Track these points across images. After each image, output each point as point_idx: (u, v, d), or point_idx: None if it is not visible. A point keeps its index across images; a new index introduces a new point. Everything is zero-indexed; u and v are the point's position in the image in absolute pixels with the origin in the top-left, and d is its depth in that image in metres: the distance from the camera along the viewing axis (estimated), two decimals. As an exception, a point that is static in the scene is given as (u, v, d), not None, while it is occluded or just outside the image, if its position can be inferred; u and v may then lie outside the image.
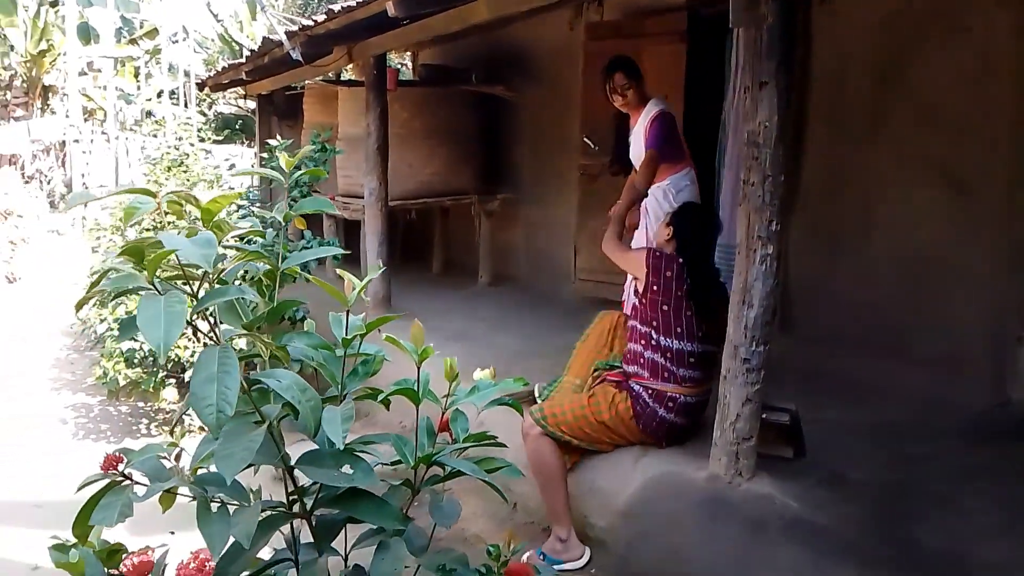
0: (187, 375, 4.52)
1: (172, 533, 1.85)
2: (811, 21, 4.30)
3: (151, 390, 4.62)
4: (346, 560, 1.66)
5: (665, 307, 2.97)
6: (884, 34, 4.04)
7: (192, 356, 4.55)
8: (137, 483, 1.29)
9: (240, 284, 1.36)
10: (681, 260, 3.01)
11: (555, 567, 2.88)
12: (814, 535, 2.53)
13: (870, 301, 4.11)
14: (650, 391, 2.98)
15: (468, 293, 6.48)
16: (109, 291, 1.19)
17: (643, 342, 3.01)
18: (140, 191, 1.22)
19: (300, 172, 1.69)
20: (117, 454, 1.26)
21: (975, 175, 3.71)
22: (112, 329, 4.46)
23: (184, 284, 1.27)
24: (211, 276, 1.32)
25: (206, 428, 1.21)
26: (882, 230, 4.10)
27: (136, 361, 4.56)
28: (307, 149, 2.00)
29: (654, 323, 2.98)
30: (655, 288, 2.98)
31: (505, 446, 1.73)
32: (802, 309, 4.43)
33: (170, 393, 4.75)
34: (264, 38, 5.70)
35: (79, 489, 1.24)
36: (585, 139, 5.54)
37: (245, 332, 1.38)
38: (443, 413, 1.70)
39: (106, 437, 4.94)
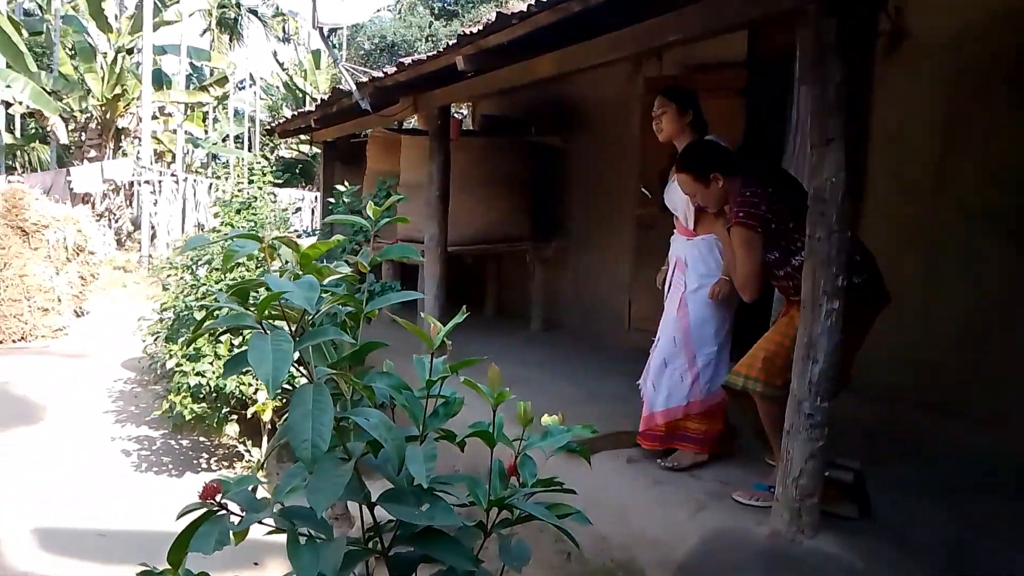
0: (249, 411, 4.64)
1: (256, 564, 1.90)
2: (874, 76, 4.32)
3: (214, 425, 4.75)
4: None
5: (781, 226, 2.96)
6: (949, 90, 4.04)
7: (255, 392, 4.67)
8: (232, 513, 1.35)
9: (327, 326, 1.44)
10: (748, 191, 3.02)
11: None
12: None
13: (930, 358, 4.04)
14: None
15: (520, 338, 6.52)
16: (217, 328, 1.27)
17: (786, 273, 3.00)
18: (248, 236, 1.31)
19: (386, 220, 1.77)
20: (216, 484, 1.32)
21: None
22: (181, 365, 4.61)
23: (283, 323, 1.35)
24: (309, 318, 1.39)
25: (266, 467, 1.27)
26: (943, 286, 4.04)
27: (202, 397, 4.70)
28: (392, 200, 2.08)
29: (783, 247, 2.97)
30: (767, 221, 2.97)
31: (574, 492, 1.76)
32: (861, 365, 4.36)
33: (232, 429, 4.86)
34: (334, 88, 5.94)
35: (179, 517, 1.30)
36: (643, 189, 5.59)
37: (333, 371, 1.45)
38: (515, 457, 1.73)
39: (168, 470, 5.07)
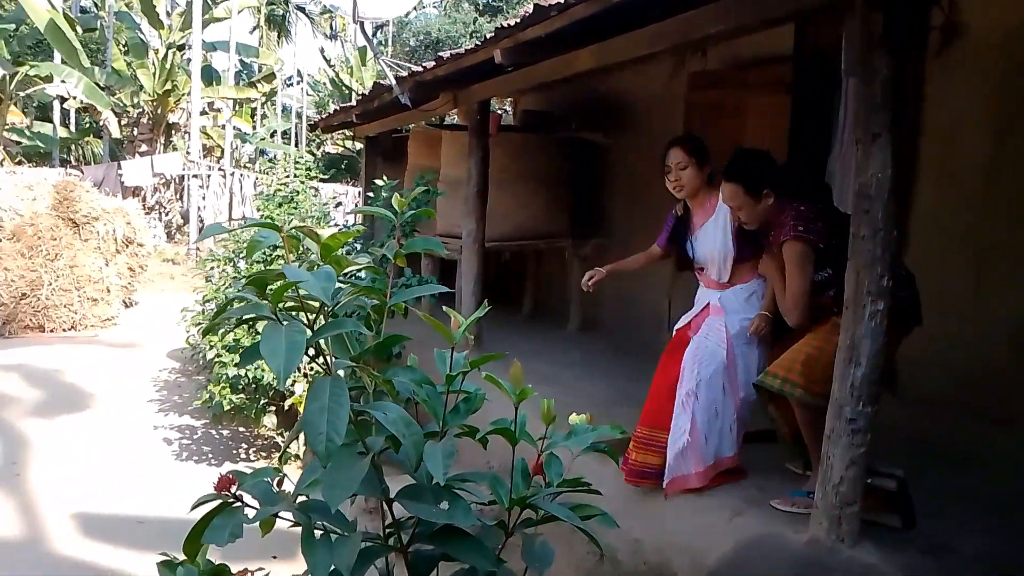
0: (286, 403, 4.68)
1: (274, 558, 1.90)
2: (924, 75, 4.17)
3: (252, 416, 4.80)
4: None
5: (836, 241, 2.79)
6: (1003, 90, 3.87)
7: (292, 385, 4.71)
8: (248, 505, 1.34)
9: (344, 318, 1.41)
10: (802, 207, 2.92)
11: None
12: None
13: (978, 365, 3.88)
14: None
15: (557, 337, 6.47)
16: (232, 318, 1.25)
17: (836, 293, 2.82)
18: (266, 225, 1.29)
19: (411, 212, 1.75)
20: (231, 476, 1.31)
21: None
22: (220, 356, 4.67)
23: (301, 314, 1.33)
24: (328, 309, 1.37)
25: (303, 459, 1.25)
26: (993, 293, 3.88)
27: (240, 388, 4.75)
28: (418, 190, 2.06)
29: (838, 265, 2.78)
30: (827, 236, 2.87)
31: (599, 493, 1.71)
32: (907, 372, 4.23)
33: (270, 420, 4.91)
34: (375, 83, 5.96)
35: (193, 508, 1.29)
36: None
37: (353, 364, 1.43)
38: (538, 456, 1.69)
39: (207, 459, 5.14)
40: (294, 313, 1.36)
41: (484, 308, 1.55)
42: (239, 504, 1.32)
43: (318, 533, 1.35)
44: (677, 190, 3.33)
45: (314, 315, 1.34)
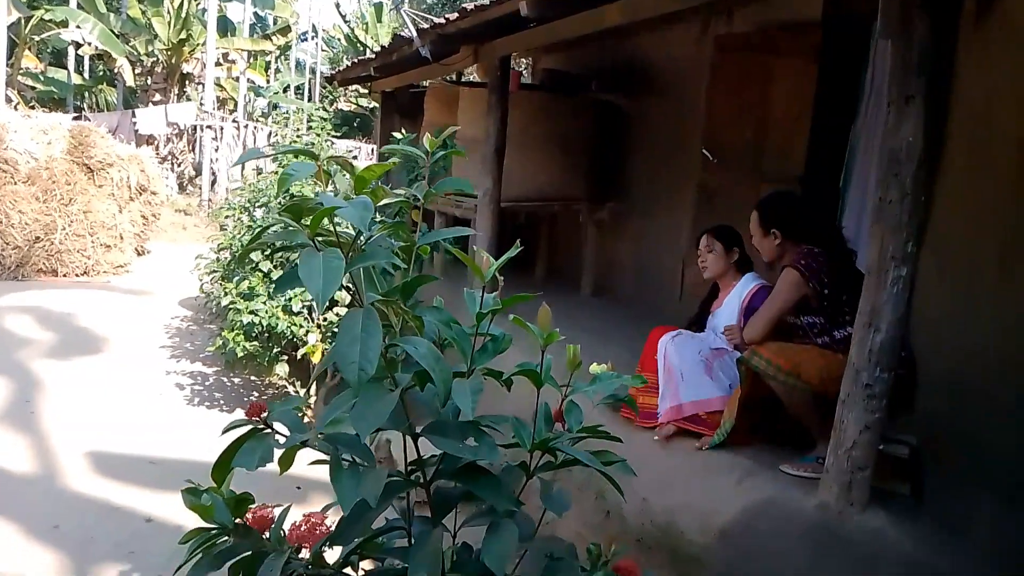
0: (299, 353, 4.71)
1: (299, 488, 1.92)
2: (960, 44, 4.08)
3: (265, 364, 4.83)
4: (455, 537, 1.69)
5: (834, 293, 2.95)
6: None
7: (306, 335, 4.73)
8: (278, 433, 1.34)
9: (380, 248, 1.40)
10: (815, 250, 3.02)
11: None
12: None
13: (1002, 349, 3.85)
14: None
15: (570, 302, 6.46)
16: (267, 245, 1.25)
17: (823, 343, 3.00)
18: (303, 151, 1.28)
19: (442, 152, 1.73)
20: (261, 403, 1.31)
21: None
22: (235, 303, 4.68)
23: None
24: (360, 243, 1.36)
25: (313, 409, 1.25)
26: (1019, 274, 3.83)
27: (254, 335, 4.78)
28: (449, 131, 2.04)
29: (829, 314, 2.98)
30: (820, 289, 2.96)
31: (620, 440, 1.72)
32: (925, 350, 4.19)
33: (282, 369, 4.94)
34: (395, 35, 5.89)
35: (224, 432, 1.30)
36: (704, 151, 5.45)
37: (384, 298, 1.42)
38: (561, 401, 1.70)
39: (219, 406, 5.19)
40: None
41: (516, 248, 1.53)
42: (269, 431, 1.33)
43: (345, 464, 1.36)
44: (703, 270, 3.69)
45: (347, 250, 1.33)
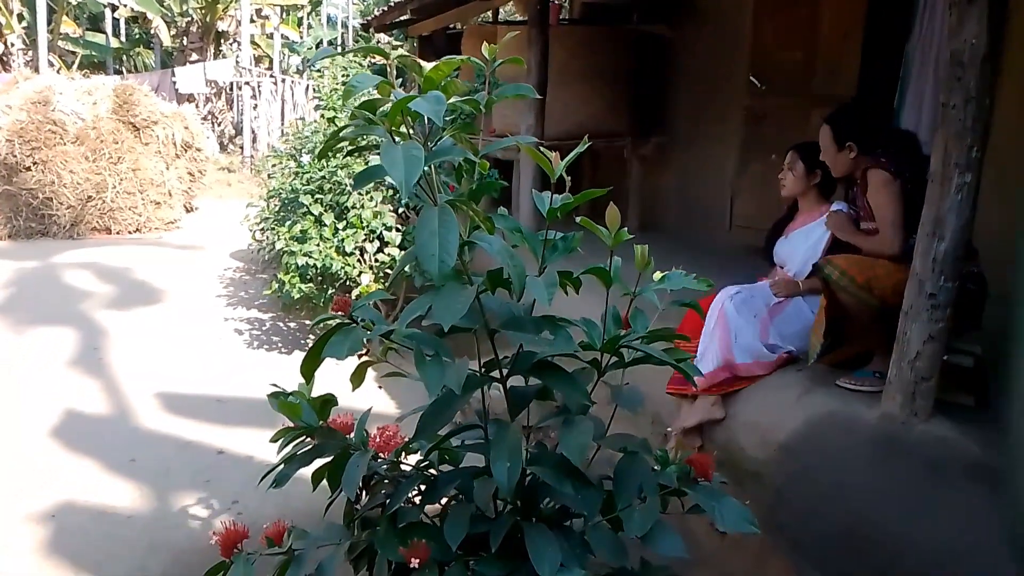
0: (354, 294, 4.79)
1: (379, 387, 1.98)
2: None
3: (321, 304, 4.93)
4: (528, 437, 1.73)
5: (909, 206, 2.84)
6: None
7: (359, 275, 4.81)
8: (363, 327, 1.39)
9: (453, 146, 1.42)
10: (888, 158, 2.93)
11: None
12: (1000, 482, 2.38)
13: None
14: None
15: (616, 237, 6.44)
16: (347, 142, 1.27)
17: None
18: (372, 49, 1.30)
19: (500, 62, 1.73)
20: (346, 298, 1.36)
21: None
22: (289, 246, 4.77)
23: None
24: (432, 144, 1.38)
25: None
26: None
27: (309, 278, 4.87)
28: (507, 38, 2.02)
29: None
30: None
31: (688, 339, 1.74)
32: (985, 264, 4.10)
33: (336, 310, 5.05)
34: (432, -27, 5.81)
35: (314, 325, 1.35)
36: (751, 78, 5.34)
37: (456, 199, 1.44)
38: (631, 302, 1.72)
39: (277, 348, 5.33)
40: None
41: (584, 143, 1.54)
42: (355, 325, 1.38)
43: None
44: (781, 188, 3.47)
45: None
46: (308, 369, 1.45)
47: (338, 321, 1.38)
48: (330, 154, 4.70)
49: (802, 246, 3.33)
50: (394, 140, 1.24)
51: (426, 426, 1.48)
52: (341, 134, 1.28)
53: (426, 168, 1.28)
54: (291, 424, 1.65)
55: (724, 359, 3.14)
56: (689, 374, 1.66)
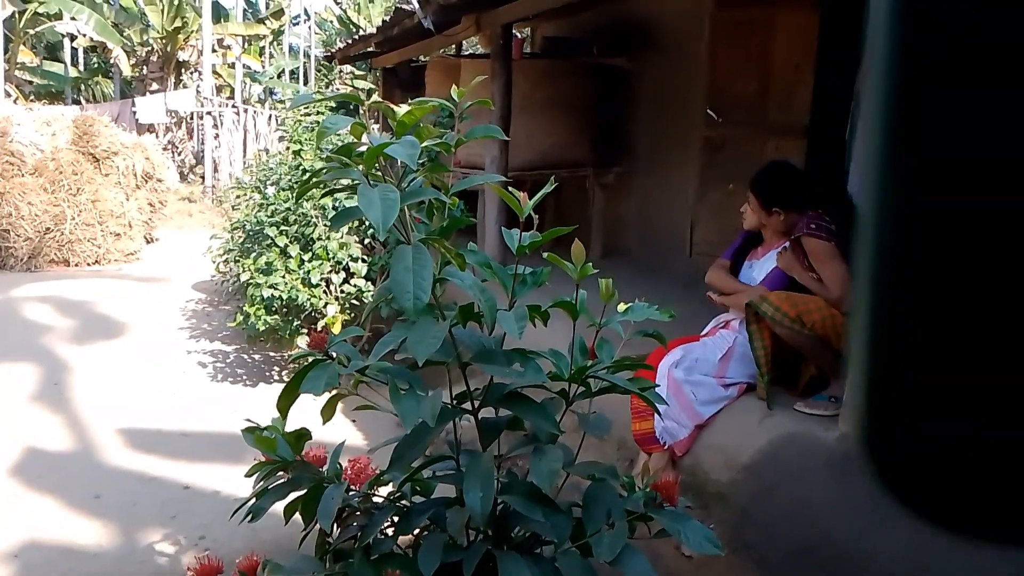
0: (319, 325, 4.79)
1: (354, 422, 2.01)
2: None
3: (286, 337, 4.92)
4: (499, 467, 1.78)
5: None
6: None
7: (325, 307, 4.82)
8: (340, 363, 1.43)
9: (425, 188, 1.48)
10: (820, 212, 3.12)
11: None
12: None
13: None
14: None
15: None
16: (323, 184, 1.32)
17: None
18: (348, 97, 1.35)
19: (470, 103, 1.80)
20: (323, 334, 1.40)
21: None
22: (254, 278, 4.77)
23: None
24: (404, 186, 1.44)
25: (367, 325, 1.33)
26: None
27: (274, 309, 4.87)
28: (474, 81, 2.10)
29: None
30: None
31: (652, 367, 1.81)
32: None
33: (303, 341, 5.03)
34: (397, 8, 5.92)
35: (291, 361, 1.39)
36: (709, 111, 5.50)
37: (428, 237, 1.50)
38: (596, 332, 1.78)
39: (242, 380, 5.29)
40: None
41: (551, 184, 1.61)
42: (331, 361, 1.42)
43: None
44: (743, 220, 3.49)
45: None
46: (284, 405, 1.49)
47: (314, 357, 1.42)
48: (318, 144, 4.70)
49: (761, 276, 3.42)
50: (369, 182, 1.29)
51: (400, 457, 1.52)
52: (317, 177, 1.34)
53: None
54: (264, 458, 1.68)
55: (694, 423, 3.18)
56: (652, 403, 1.72)
